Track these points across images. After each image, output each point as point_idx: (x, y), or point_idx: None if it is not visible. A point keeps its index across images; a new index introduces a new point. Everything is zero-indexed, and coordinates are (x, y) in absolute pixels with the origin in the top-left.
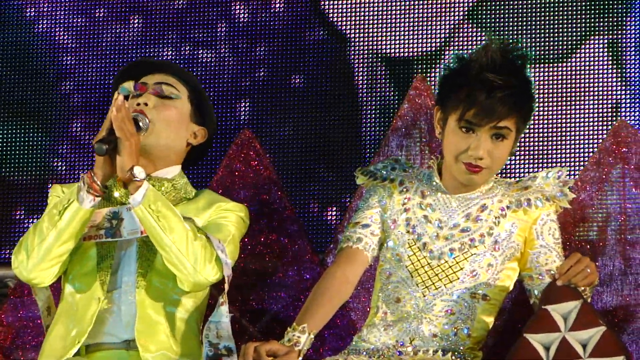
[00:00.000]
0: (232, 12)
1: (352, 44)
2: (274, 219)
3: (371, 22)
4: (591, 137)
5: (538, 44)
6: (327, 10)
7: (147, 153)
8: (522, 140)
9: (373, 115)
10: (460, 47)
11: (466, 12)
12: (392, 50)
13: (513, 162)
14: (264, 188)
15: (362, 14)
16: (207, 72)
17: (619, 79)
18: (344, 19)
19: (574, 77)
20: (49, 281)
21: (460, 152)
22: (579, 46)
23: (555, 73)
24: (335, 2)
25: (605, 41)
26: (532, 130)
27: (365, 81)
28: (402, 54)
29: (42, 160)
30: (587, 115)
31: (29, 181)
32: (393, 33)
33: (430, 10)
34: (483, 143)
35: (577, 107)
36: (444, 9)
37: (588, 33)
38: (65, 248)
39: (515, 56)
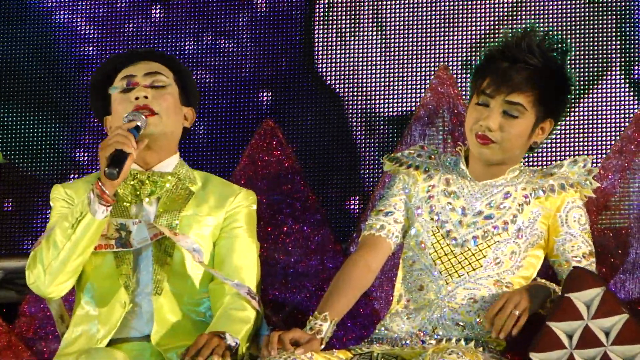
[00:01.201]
0: (253, 1)
1: (376, 32)
2: (296, 208)
3: (395, 8)
4: (613, 125)
5: None
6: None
7: (153, 144)
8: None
9: (396, 104)
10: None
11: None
12: (415, 42)
13: (536, 151)
14: (286, 178)
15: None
16: (229, 61)
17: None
18: (367, 7)
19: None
20: (64, 293)
21: (473, 123)
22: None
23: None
24: None
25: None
26: None
27: (389, 69)
28: (425, 44)
29: (63, 151)
30: (609, 103)
31: (50, 172)
32: (417, 21)
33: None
34: (494, 115)
35: (599, 95)
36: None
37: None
38: (80, 260)
39: (552, 49)
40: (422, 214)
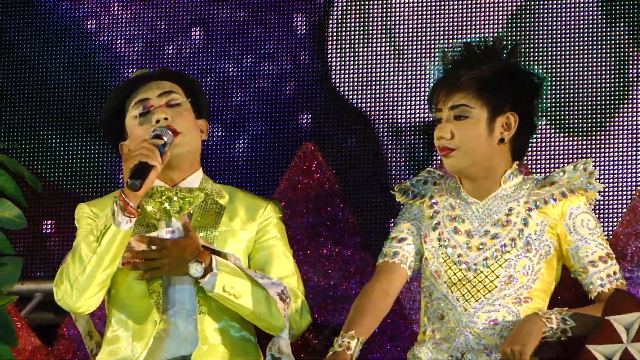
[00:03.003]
0: (294, 24)
1: (416, 53)
2: (336, 231)
3: (431, 23)
4: None
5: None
6: (386, 21)
7: (180, 162)
8: (582, 150)
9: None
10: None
11: None
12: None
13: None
14: (326, 200)
15: (422, 16)
16: (269, 84)
17: None
18: (404, 25)
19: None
20: (93, 308)
21: (435, 141)
22: None
23: (608, 86)
24: (398, 12)
25: None
26: (592, 141)
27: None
28: None
29: (104, 172)
30: None
31: (92, 193)
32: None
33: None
34: (446, 124)
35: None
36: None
37: None
38: (107, 273)
39: (493, 49)
40: (431, 241)
